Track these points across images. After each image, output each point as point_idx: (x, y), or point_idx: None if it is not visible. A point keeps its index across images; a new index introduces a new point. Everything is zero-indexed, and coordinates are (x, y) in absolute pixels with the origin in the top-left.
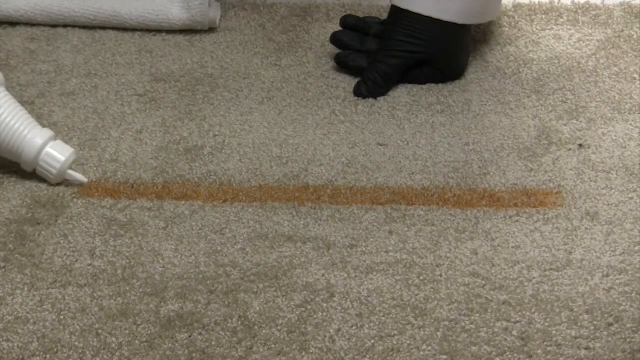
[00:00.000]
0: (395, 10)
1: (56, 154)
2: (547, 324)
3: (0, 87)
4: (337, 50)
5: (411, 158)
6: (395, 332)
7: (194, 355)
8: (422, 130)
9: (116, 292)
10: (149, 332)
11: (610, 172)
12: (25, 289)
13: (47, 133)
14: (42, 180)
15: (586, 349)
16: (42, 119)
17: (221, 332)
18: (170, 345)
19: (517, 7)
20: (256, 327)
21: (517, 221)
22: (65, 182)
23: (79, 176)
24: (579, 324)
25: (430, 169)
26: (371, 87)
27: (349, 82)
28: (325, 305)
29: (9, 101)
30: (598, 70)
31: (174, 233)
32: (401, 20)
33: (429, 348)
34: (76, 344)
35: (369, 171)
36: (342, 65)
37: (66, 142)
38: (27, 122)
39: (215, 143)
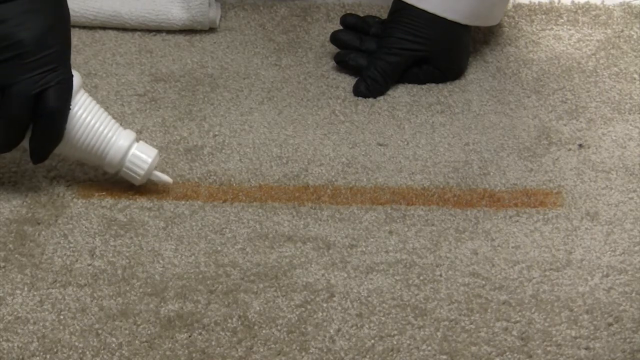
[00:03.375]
0: (397, 8)
1: (143, 155)
2: (547, 324)
3: (80, 89)
4: (337, 50)
5: (411, 158)
6: (395, 332)
7: (194, 355)
8: (422, 130)
9: (116, 292)
10: (149, 332)
11: (610, 172)
12: (25, 289)
13: (131, 134)
14: (42, 180)
15: (586, 349)
16: None
17: (221, 332)
18: (170, 345)
19: (517, 7)
20: (256, 327)
21: (517, 221)
22: (66, 182)
23: (164, 177)
24: (579, 324)
25: (430, 169)
26: (370, 85)
27: (349, 82)
28: (325, 305)
29: (90, 103)
30: (598, 70)
31: (174, 233)
32: (402, 17)
33: (429, 348)
34: (76, 344)
35: (369, 171)
36: (342, 64)
37: None
38: (110, 124)
39: (215, 143)
